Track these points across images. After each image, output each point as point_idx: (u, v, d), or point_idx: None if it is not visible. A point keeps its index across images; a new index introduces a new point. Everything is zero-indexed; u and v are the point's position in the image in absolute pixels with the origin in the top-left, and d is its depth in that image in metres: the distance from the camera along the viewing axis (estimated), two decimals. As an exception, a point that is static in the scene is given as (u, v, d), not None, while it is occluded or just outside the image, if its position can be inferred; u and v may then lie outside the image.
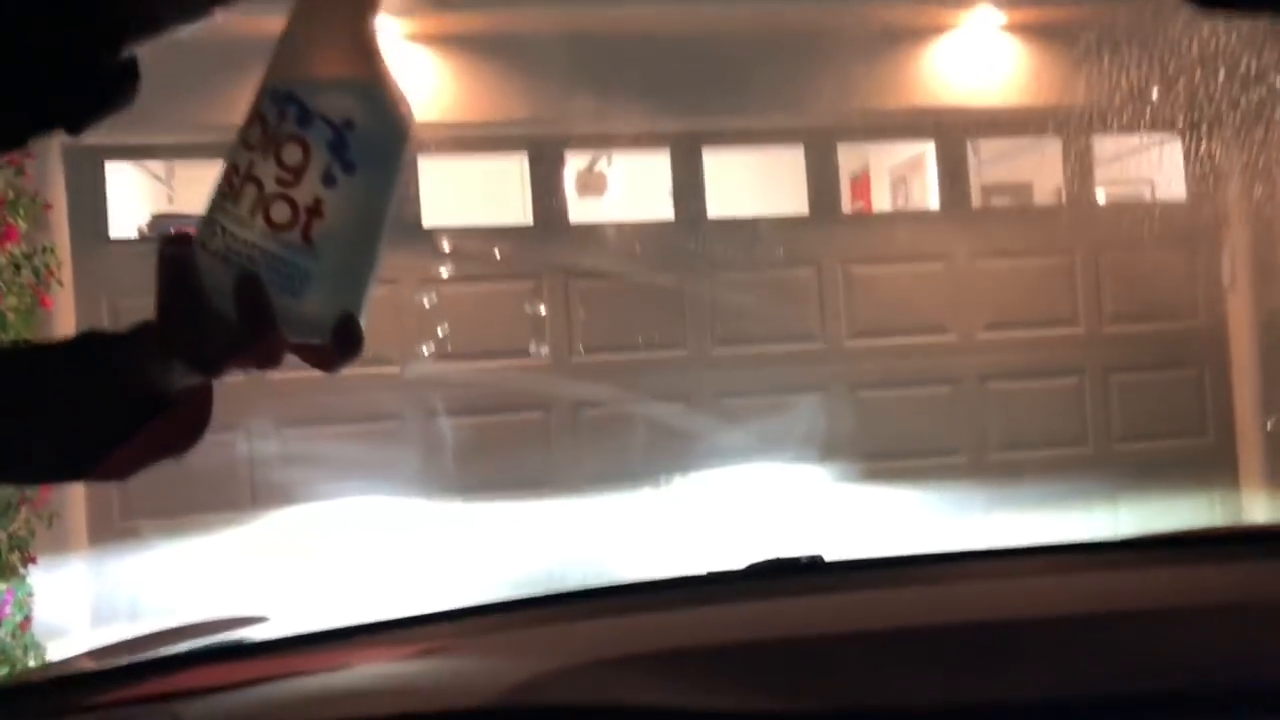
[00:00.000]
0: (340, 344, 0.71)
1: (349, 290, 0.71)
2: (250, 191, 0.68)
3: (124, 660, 1.25)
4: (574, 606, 1.28)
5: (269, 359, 0.71)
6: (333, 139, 0.67)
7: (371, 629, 1.23)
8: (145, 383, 0.74)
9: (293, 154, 0.67)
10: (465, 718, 0.92)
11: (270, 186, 0.68)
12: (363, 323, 0.71)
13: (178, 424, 0.75)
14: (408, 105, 0.70)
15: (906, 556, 1.53)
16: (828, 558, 1.48)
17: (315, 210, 0.68)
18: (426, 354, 5.23)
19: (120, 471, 0.75)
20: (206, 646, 1.33)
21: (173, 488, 4.75)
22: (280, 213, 0.68)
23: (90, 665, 1.44)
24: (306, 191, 0.68)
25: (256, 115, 0.68)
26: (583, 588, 1.34)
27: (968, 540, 5.00)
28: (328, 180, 0.68)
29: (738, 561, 1.47)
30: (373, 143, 0.68)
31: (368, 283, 0.71)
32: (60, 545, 4.59)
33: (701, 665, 1.03)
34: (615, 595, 1.34)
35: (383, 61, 0.69)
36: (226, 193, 0.69)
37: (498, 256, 5.34)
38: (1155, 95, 4.90)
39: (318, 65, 0.68)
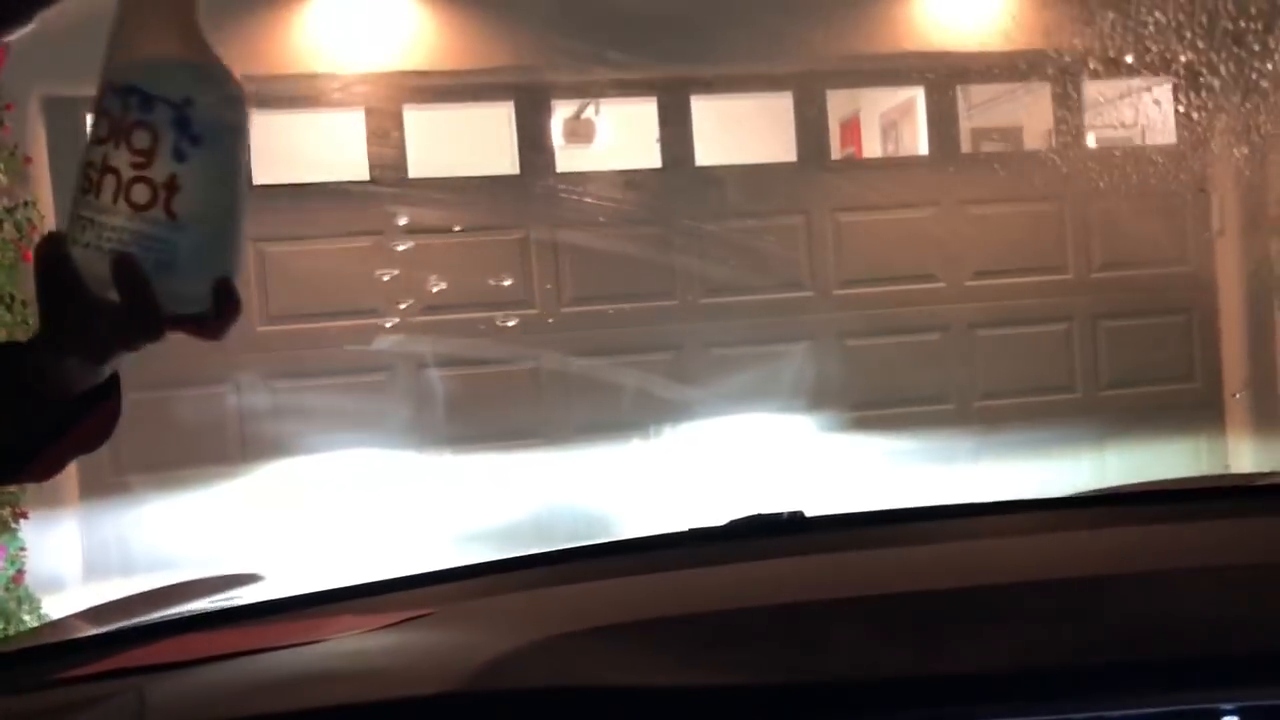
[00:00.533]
0: (219, 308, 0.75)
1: (219, 255, 0.75)
2: (109, 181, 0.73)
3: (96, 630, 1.24)
4: (548, 571, 1.27)
5: (152, 334, 0.74)
6: (176, 117, 0.73)
7: (346, 594, 1.22)
8: (51, 385, 0.76)
9: (141, 138, 0.73)
10: (425, 706, 0.91)
11: (127, 172, 0.72)
12: (237, 283, 0.76)
13: (96, 422, 0.79)
14: (237, 79, 0.76)
15: (888, 512, 1.52)
16: (809, 513, 1.47)
17: (172, 185, 0.73)
18: (411, 306, 5.20)
19: (45, 474, 0.79)
20: (181, 616, 1.32)
21: (163, 442, 4.75)
22: (140, 194, 0.72)
23: (82, 626, 1.44)
24: (161, 170, 0.73)
25: (101, 111, 0.74)
26: (558, 549, 1.33)
27: (956, 490, 5.03)
28: (178, 156, 0.73)
29: (721, 516, 1.46)
30: (213, 115, 0.74)
31: (236, 246, 0.76)
32: (51, 500, 4.59)
33: (674, 636, 1.02)
34: (591, 557, 1.33)
35: (208, 42, 0.75)
36: (87, 188, 0.74)
37: (482, 198, 5.30)
38: (1154, 24, 4.71)
39: (151, 54, 0.74)
